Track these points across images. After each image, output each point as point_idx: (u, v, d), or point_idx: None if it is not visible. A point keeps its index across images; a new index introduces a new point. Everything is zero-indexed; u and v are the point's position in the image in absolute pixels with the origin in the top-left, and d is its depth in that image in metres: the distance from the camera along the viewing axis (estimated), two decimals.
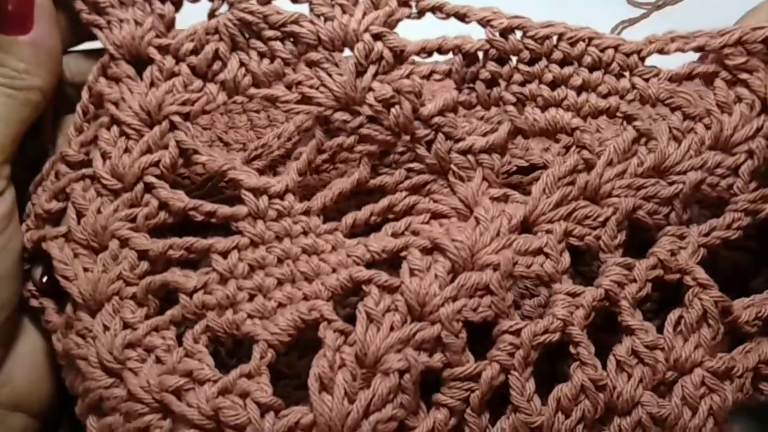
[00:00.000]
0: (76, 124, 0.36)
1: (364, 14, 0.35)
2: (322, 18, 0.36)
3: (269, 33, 0.36)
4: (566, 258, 0.35)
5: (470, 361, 0.33)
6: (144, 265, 0.35)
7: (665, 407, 0.33)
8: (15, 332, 0.36)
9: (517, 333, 0.33)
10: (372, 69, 0.35)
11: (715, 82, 0.36)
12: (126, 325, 0.34)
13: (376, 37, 0.35)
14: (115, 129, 0.36)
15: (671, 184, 0.35)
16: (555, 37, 0.36)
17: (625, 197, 0.35)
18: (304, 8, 0.36)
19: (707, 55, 0.37)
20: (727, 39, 0.35)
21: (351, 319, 0.34)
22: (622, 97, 0.36)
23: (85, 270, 0.35)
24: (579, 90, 0.36)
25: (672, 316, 0.34)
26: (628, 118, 0.36)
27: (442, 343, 0.33)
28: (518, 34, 0.36)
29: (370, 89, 0.35)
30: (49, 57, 0.36)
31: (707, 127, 0.35)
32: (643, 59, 0.36)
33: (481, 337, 0.34)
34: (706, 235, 0.36)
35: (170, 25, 0.36)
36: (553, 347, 0.34)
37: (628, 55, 0.36)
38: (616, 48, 0.36)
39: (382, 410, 0.32)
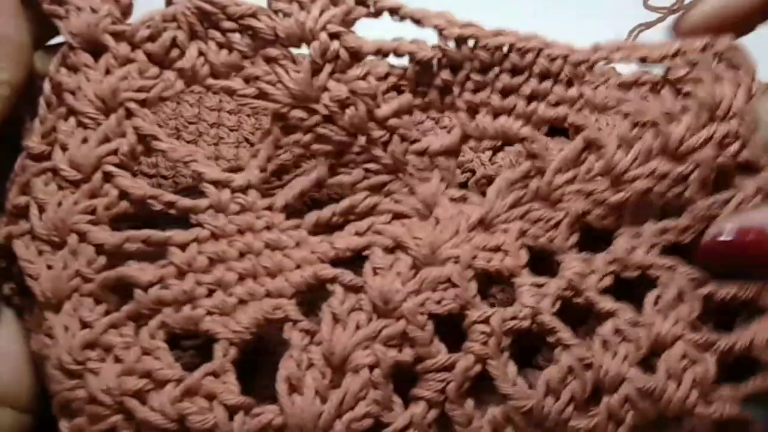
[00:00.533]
0: (40, 116, 0.35)
1: (322, 12, 0.36)
2: (280, 13, 0.36)
3: (227, 24, 0.36)
4: (524, 255, 0.36)
5: (441, 353, 0.33)
6: (101, 260, 0.34)
7: (651, 380, 0.33)
8: None
9: (486, 321, 0.34)
10: (328, 68, 0.36)
11: (661, 91, 0.38)
12: (84, 324, 0.33)
13: (333, 35, 0.36)
14: (72, 119, 0.35)
15: (620, 191, 0.36)
16: (506, 47, 0.37)
17: (575, 201, 0.37)
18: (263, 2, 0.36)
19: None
20: (666, 50, 0.37)
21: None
22: (571, 106, 0.37)
23: (49, 267, 0.34)
24: (529, 99, 0.38)
25: (650, 297, 0.35)
26: (576, 128, 0.37)
27: (409, 338, 0.33)
28: (471, 42, 0.37)
29: (326, 89, 0.36)
30: (17, 50, 0.35)
31: (656, 136, 0.36)
32: (591, 68, 0.37)
33: (456, 336, 0.34)
34: (659, 234, 0.36)
35: (127, 11, 0.36)
36: (521, 346, 0.34)
37: (576, 65, 0.37)
38: (564, 58, 0.37)
39: (355, 408, 0.32)
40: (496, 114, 0.38)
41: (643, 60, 0.37)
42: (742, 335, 0.34)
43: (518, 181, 0.37)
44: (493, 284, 0.37)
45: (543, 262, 0.37)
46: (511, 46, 0.37)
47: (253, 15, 0.36)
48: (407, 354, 0.33)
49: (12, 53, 0.35)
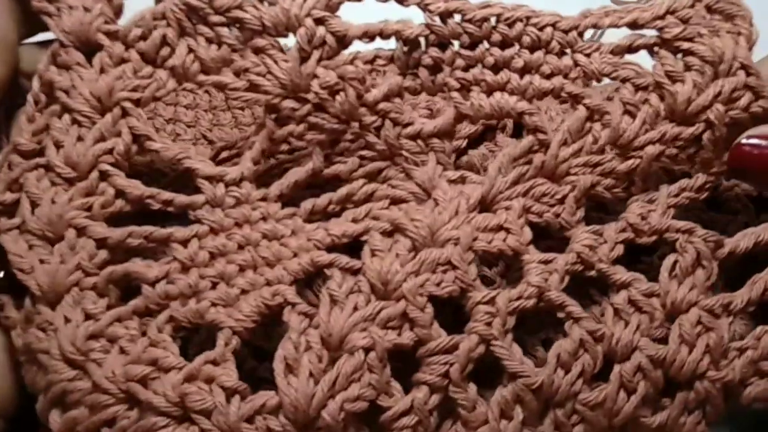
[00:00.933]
0: (28, 113, 0.36)
1: None
2: (265, 2, 0.36)
3: (215, 18, 0.36)
4: (528, 232, 0.35)
5: (442, 336, 0.33)
6: (103, 254, 0.34)
7: (662, 348, 0.33)
8: None
9: (491, 302, 0.33)
10: (315, 54, 0.36)
11: (659, 52, 0.37)
12: (88, 316, 0.34)
13: (318, 21, 0.36)
14: (66, 117, 0.35)
15: (628, 158, 0.36)
16: (493, 19, 0.37)
17: (582, 174, 0.36)
18: None
19: None
20: (656, 11, 0.36)
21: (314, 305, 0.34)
22: (566, 76, 0.37)
23: (42, 261, 0.34)
24: (522, 72, 0.37)
25: (667, 262, 0.34)
26: (576, 98, 0.37)
27: (409, 319, 0.33)
28: (457, 17, 0.37)
29: (315, 76, 0.36)
30: (4, 48, 0.35)
31: (661, 98, 0.36)
32: (581, 34, 0.37)
33: (454, 322, 0.34)
34: (676, 195, 0.36)
35: (118, 11, 0.36)
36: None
37: (566, 31, 0.37)
38: (553, 25, 0.37)
39: (348, 389, 0.32)
40: (489, 91, 0.37)
41: (633, 24, 0.37)
42: (756, 285, 0.33)
43: (521, 156, 0.37)
44: (495, 265, 0.37)
45: (548, 239, 0.36)
46: (498, 17, 0.37)
47: (239, 6, 0.36)
48: (407, 337, 0.33)
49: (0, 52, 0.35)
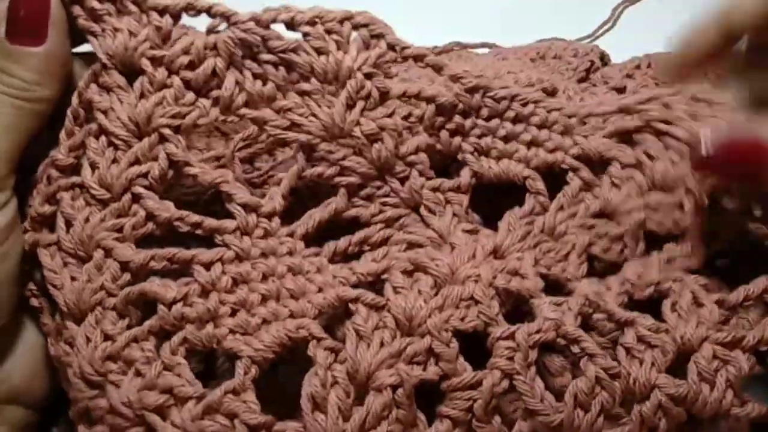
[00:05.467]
0: (67, 128, 0.36)
1: (358, 53, 0.38)
2: (316, 51, 0.38)
3: (266, 57, 0.37)
4: (539, 281, 0.37)
5: (467, 371, 0.34)
6: (126, 276, 0.34)
7: (682, 386, 0.33)
8: (14, 332, 0.35)
9: (511, 336, 0.34)
10: (360, 104, 0.38)
11: (643, 135, 0.41)
12: (106, 337, 0.33)
13: (367, 75, 0.38)
14: (103, 139, 0.36)
15: (619, 223, 0.39)
16: (510, 98, 0.41)
17: (579, 235, 0.39)
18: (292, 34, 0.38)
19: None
20: (642, 99, 0.41)
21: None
22: (566, 153, 0.41)
23: (72, 279, 0.34)
24: (529, 145, 0.41)
25: (667, 303, 0.36)
26: (574, 170, 0.40)
27: (435, 354, 0.34)
28: (481, 92, 0.40)
29: (358, 123, 0.38)
30: (62, 68, 0.35)
31: (644, 173, 0.39)
32: (582, 122, 0.41)
33: (478, 355, 0.35)
34: (668, 262, 0.38)
35: (166, 37, 0.37)
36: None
37: (569, 117, 0.41)
38: (559, 110, 0.41)
39: (378, 428, 0.32)
40: (499, 157, 0.41)
41: (621, 110, 0.41)
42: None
43: (525, 216, 0.39)
44: (512, 305, 0.37)
45: (557, 292, 0.38)
46: (514, 97, 0.41)
47: (294, 50, 0.37)
48: (432, 371, 0.34)
49: (58, 71, 0.35)
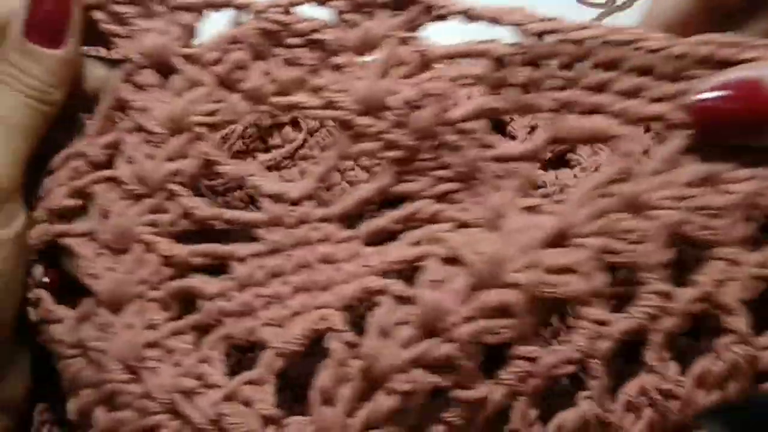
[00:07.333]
0: (98, 126, 0.37)
1: (388, 19, 0.35)
2: (346, 24, 0.35)
3: (293, 41, 0.36)
4: (600, 278, 0.32)
5: (480, 387, 0.31)
6: (167, 271, 0.35)
7: None
8: (11, 350, 0.37)
9: (533, 360, 0.31)
10: (396, 72, 0.35)
11: None
12: (149, 326, 0.35)
13: (401, 41, 0.35)
14: (139, 135, 0.36)
15: (724, 193, 0.31)
16: (595, 40, 0.33)
17: (669, 209, 0.32)
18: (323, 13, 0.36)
19: None
20: None
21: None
22: (672, 102, 0.32)
23: (109, 269, 0.35)
24: (623, 95, 0.33)
25: (697, 367, 0.31)
26: (681, 125, 0.32)
27: (456, 364, 0.31)
28: (554, 36, 0.34)
29: (394, 92, 0.34)
30: (75, 73, 0.37)
31: None
32: (699, 63, 0.32)
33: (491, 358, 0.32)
34: (764, 266, 0.31)
35: (192, 34, 0.37)
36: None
37: (680, 57, 0.32)
38: (666, 49, 0.33)
39: (383, 428, 0.31)
40: (584, 112, 0.34)
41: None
42: None
43: (604, 185, 0.33)
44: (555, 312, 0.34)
45: (626, 284, 0.32)
46: (600, 38, 0.33)
47: (320, 29, 0.35)
48: (448, 379, 0.31)
49: (71, 76, 0.36)
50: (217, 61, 0.36)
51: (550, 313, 0.34)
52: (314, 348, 0.33)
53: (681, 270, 0.32)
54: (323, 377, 0.32)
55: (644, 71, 0.33)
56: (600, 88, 0.33)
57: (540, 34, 0.34)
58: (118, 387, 0.34)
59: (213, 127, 0.36)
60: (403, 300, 0.32)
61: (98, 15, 0.37)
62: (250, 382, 0.33)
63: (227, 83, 0.36)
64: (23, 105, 0.35)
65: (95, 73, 0.38)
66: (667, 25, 0.37)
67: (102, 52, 0.39)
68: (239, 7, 0.36)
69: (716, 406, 0.31)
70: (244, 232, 0.36)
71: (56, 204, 0.37)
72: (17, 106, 0.35)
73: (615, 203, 0.32)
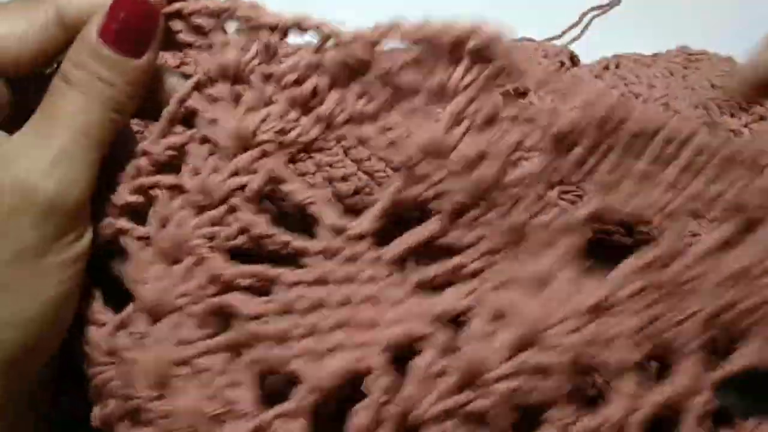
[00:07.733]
0: (164, 128, 0.37)
1: (466, 71, 0.35)
2: (424, 70, 0.35)
3: (371, 77, 0.36)
4: (636, 353, 0.33)
5: None
6: (212, 288, 0.35)
7: None
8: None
9: (565, 428, 0.32)
10: (465, 124, 0.35)
11: None
12: (181, 342, 0.34)
13: (475, 95, 0.35)
14: (207, 147, 0.36)
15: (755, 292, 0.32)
16: (651, 132, 0.34)
17: (710, 298, 0.33)
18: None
19: None
20: None
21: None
22: (732, 186, 0.33)
23: (157, 278, 0.35)
24: (668, 188, 0.34)
25: None
26: (738, 208, 0.33)
27: (490, 420, 0.32)
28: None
29: (460, 145, 0.35)
30: (147, 83, 0.36)
31: None
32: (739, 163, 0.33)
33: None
34: None
35: (274, 53, 0.37)
36: None
37: (726, 159, 0.33)
38: (713, 150, 0.34)
39: None
40: (630, 194, 0.35)
41: None
42: None
43: (647, 267, 0.34)
44: (591, 376, 0.34)
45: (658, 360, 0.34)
46: (656, 132, 0.34)
47: (400, 72, 0.36)
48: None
49: (146, 86, 0.36)
50: (294, 83, 0.36)
51: (586, 379, 0.35)
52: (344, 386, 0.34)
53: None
54: (360, 417, 0.32)
55: (687, 169, 0.34)
56: (646, 178, 0.34)
57: (602, 122, 0.34)
58: (144, 404, 0.34)
59: (281, 145, 0.36)
60: (445, 351, 0.33)
61: (177, 25, 0.37)
62: (282, 416, 0.33)
63: (300, 105, 0.36)
64: (107, 119, 0.35)
65: (166, 82, 0.38)
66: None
67: (167, 58, 0.39)
68: (326, 37, 0.36)
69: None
70: (289, 255, 0.36)
71: (121, 200, 0.37)
72: (102, 121, 0.34)
73: (658, 283, 0.33)
